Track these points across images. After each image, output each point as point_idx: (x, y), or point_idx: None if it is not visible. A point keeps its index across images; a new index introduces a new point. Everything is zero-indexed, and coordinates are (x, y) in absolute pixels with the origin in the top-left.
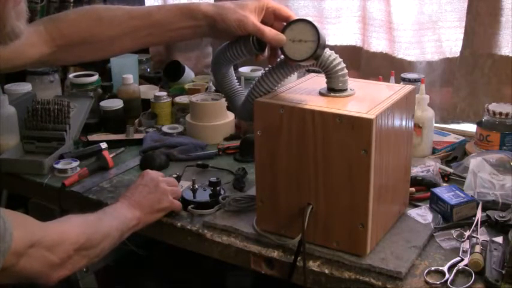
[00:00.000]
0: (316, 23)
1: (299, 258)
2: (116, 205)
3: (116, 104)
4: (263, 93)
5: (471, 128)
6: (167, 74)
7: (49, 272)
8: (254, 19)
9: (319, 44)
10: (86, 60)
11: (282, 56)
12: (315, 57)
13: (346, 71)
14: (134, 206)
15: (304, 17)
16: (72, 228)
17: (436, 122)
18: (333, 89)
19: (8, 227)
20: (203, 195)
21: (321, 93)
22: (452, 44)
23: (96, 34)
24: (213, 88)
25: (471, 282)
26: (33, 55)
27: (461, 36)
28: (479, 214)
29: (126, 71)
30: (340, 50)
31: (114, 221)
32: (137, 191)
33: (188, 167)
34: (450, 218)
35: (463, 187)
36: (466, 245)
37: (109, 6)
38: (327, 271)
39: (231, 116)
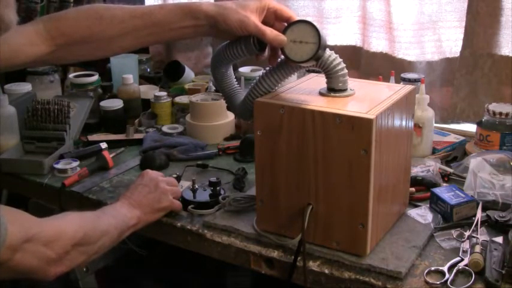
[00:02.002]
0: (317, 24)
1: (299, 258)
2: (115, 204)
3: (116, 104)
4: (263, 93)
5: (471, 128)
6: (167, 74)
7: (46, 268)
8: (255, 19)
9: (320, 45)
10: (86, 59)
11: (283, 57)
12: (316, 59)
13: (346, 71)
14: (134, 206)
15: (305, 18)
16: (69, 224)
17: (436, 122)
18: (333, 89)
19: (3, 221)
20: (203, 195)
21: (321, 93)
22: (452, 44)
23: (96, 33)
24: (213, 88)
25: (471, 282)
26: (33, 54)
27: (461, 36)
28: (479, 214)
29: (126, 71)
30: (340, 50)
31: (113, 219)
32: (137, 190)
33: (188, 167)
34: (450, 218)
35: (463, 187)
36: (466, 245)
37: (109, 6)
38: (327, 271)
39: (231, 116)
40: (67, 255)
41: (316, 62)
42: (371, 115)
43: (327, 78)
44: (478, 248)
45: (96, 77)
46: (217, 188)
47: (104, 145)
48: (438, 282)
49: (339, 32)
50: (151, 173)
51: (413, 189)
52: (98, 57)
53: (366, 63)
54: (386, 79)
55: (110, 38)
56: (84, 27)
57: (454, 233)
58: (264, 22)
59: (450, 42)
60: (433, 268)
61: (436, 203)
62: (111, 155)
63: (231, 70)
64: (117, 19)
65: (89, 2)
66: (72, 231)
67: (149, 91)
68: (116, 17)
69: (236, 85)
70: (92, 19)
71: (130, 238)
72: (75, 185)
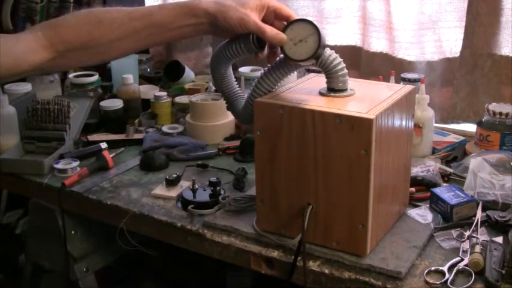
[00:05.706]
0: (316, 23)
1: (299, 258)
2: None
3: (116, 104)
4: (263, 93)
5: (471, 128)
6: (167, 74)
7: None
8: (255, 17)
9: (319, 44)
10: (86, 65)
11: (282, 55)
12: (315, 57)
13: (346, 71)
14: None
15: (305, 17)
16: None
17: (436, 122)
18: (333, 89)
19: None
20: (203, 195)
21: (321, 93)
22: (452, 44)
23: (96, 38)
24: (213, 88)
25: (471, 282)
26: (34, 61)
27: (461, 36)
28: (479, 214)
29: (126, 71)
30: (340, 50)
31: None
32: None
33: (188, 167)
34: (450, 218)
35: (463, 187)
36: (466, 245)
37: (108, 9)
38: (327, 271)
39: (231, 116)
40: None
41: (316, 60)
42: (371, 115)
43: (327, 78)
44: (478, 248)
45: (96, 77)
46: (217, 188)
47: (104, 145)
48: (438, 282)
49: (339, 32)
50: None
51: (413, 189)
52: (99, 61)
53: (366, 63)
54: (386, 79)
55: (110, 42)
56: (84, 33)
57: (454, 233)
58: (264, 21)
59: (450, 42)
60: (433, 268)
61: (436, 203)
62: (111, 155)
63: (230, 71)
64: (116, 22)
65: (89, 2)
66: None
67: (149, 91)
68: (115, 20)
69: (237, 88)
70: (91, 24)
71: (132, 238)
72: (75, 185)
